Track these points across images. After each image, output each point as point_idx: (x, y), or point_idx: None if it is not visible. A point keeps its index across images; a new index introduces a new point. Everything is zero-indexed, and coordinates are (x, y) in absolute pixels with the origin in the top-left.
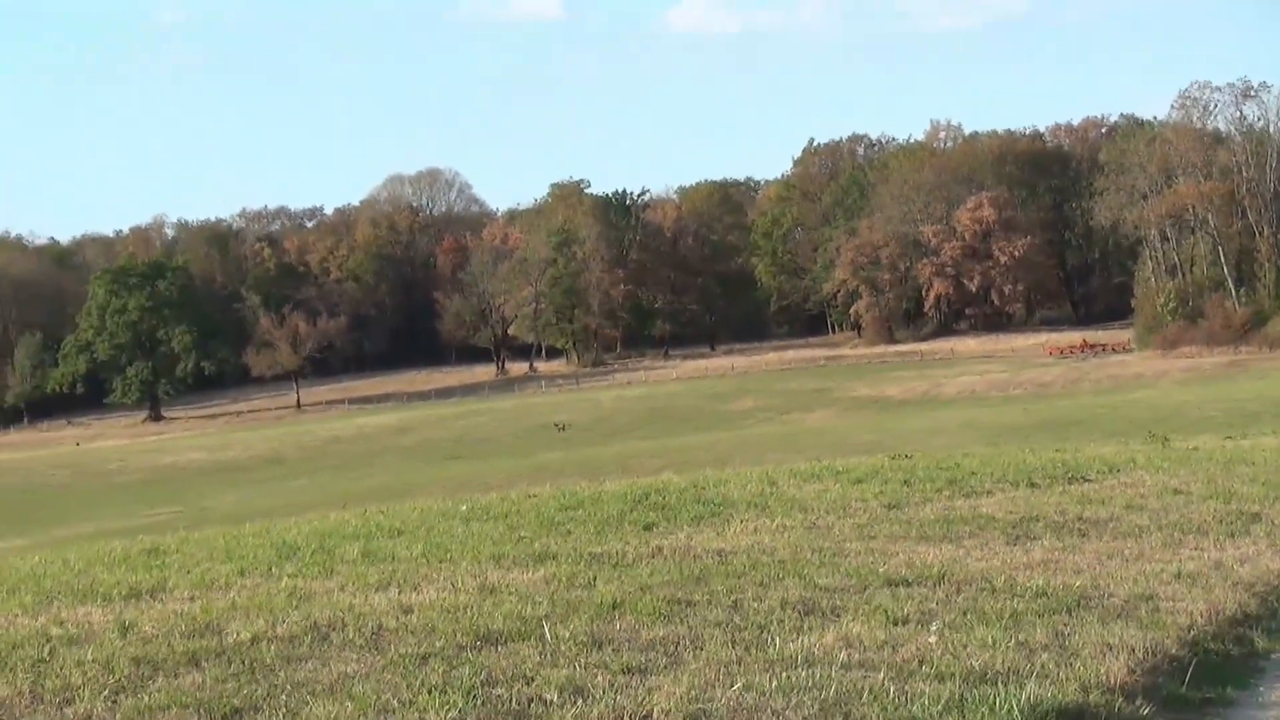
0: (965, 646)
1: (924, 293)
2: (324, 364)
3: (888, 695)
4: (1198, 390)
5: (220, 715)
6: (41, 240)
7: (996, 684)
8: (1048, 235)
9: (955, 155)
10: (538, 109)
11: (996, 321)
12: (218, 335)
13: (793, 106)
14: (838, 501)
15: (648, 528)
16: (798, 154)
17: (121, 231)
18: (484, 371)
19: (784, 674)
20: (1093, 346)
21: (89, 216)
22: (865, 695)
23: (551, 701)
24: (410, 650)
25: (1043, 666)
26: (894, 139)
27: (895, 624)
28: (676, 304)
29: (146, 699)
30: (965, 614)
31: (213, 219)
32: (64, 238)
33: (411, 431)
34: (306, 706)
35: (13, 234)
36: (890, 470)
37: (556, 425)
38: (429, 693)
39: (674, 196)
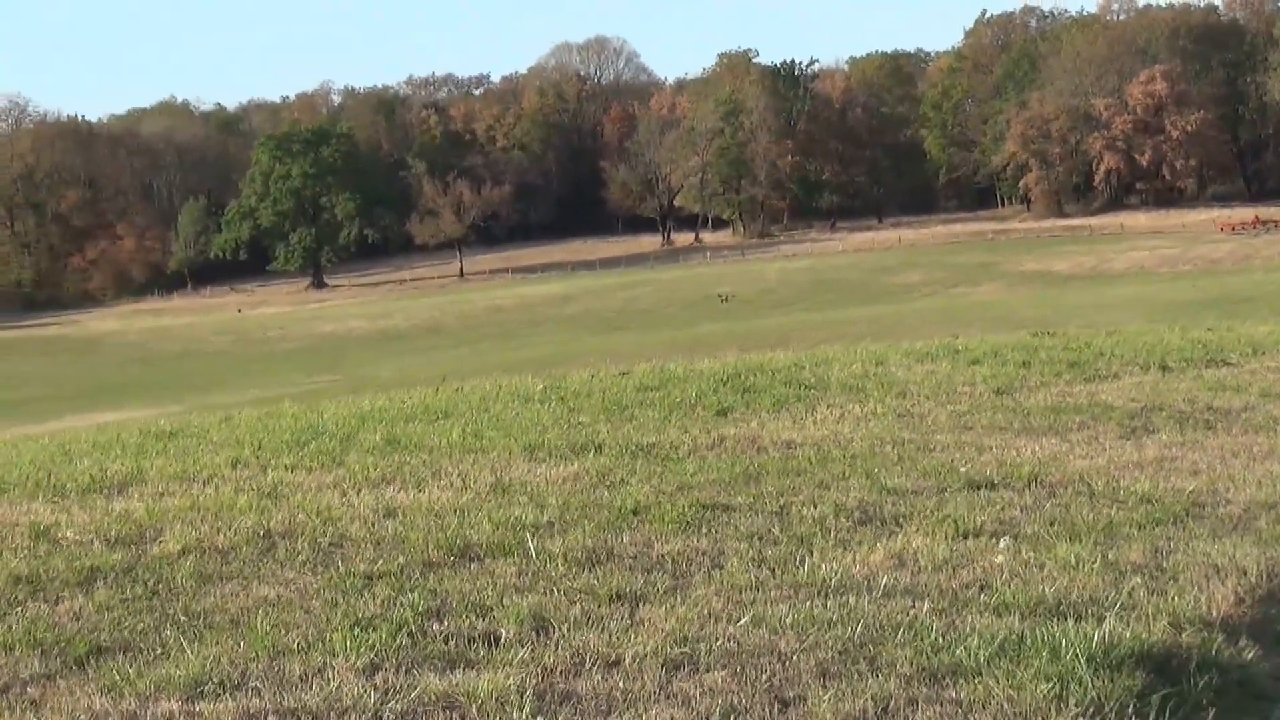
0: (1041, 568)
1: (1094, 167)
2: (488, 233)
3: (929, 634)
4: None
5: (73, 658)
6: (208, 106)
7: (1067, 618)
8: (1221, 110)
9: (1128, 28)
10: None
11: (1167, 197)
12: (382, 203)
13: None
14: (943, 385)
15: (722, 413)
16: (969, 25)
17: (288, 98)
18: (649, 242)
19: (809, 603)
20: (1265, 223)
21: (256, 83)
22: (901, 633)
23: (501, 639)
24: (362, 568)
25: (1130, 594)
26: (1066, 11)
27: (964, 537)
28: (844, 176)
29: None
30: (1051, 525)
31: (379, 86)
32: (230, 104)
33: (574, 301)
34: (189, 646)
35: (179, 99)
36: (1014, 350)
37: (720, 296)
38: (350, 629)
39: (843, 67)
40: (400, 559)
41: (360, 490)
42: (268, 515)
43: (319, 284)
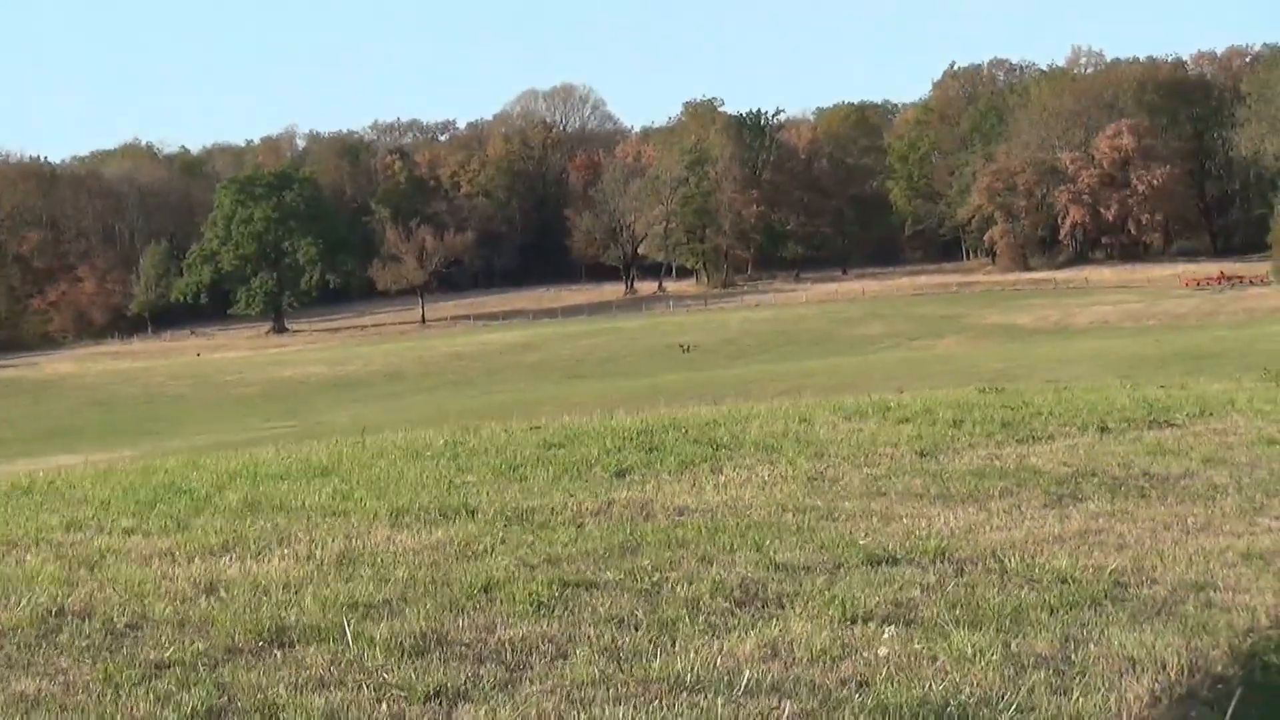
0: (933, 660)
1: (1060, 220)
2: (451, 280)
3: None
4: None
5: None
6: (172, 149)
7: None
8: (1187, 165)
9: (1096, 81)
10: (674, 25)
11: (1133, 251)
12: (344, 248)
13: (932, 29)
14: (864, 445)
15: (620, 474)
16: (937, 77)
17: (252, 141)
18: (613, 290)
19: (655, 703)
20: (1230, 278)
21: (221, 126)
22: None
23: None
24: (152, 655)
25: (1030, 693)
26: (1034, 64)
27: (851, 622)
28: (809, 226)
29: None
30: (952, 608)
31: (344, 131)
32: (194, 147)
33: (535, 349)
34: None
35: (143, 141)
36: (948, 408)
37: (682, 346)
38: None
39: (809, 117)
40: (200, 645)
41: (192, 560)
42: (69, 589)
43: (280, 328)
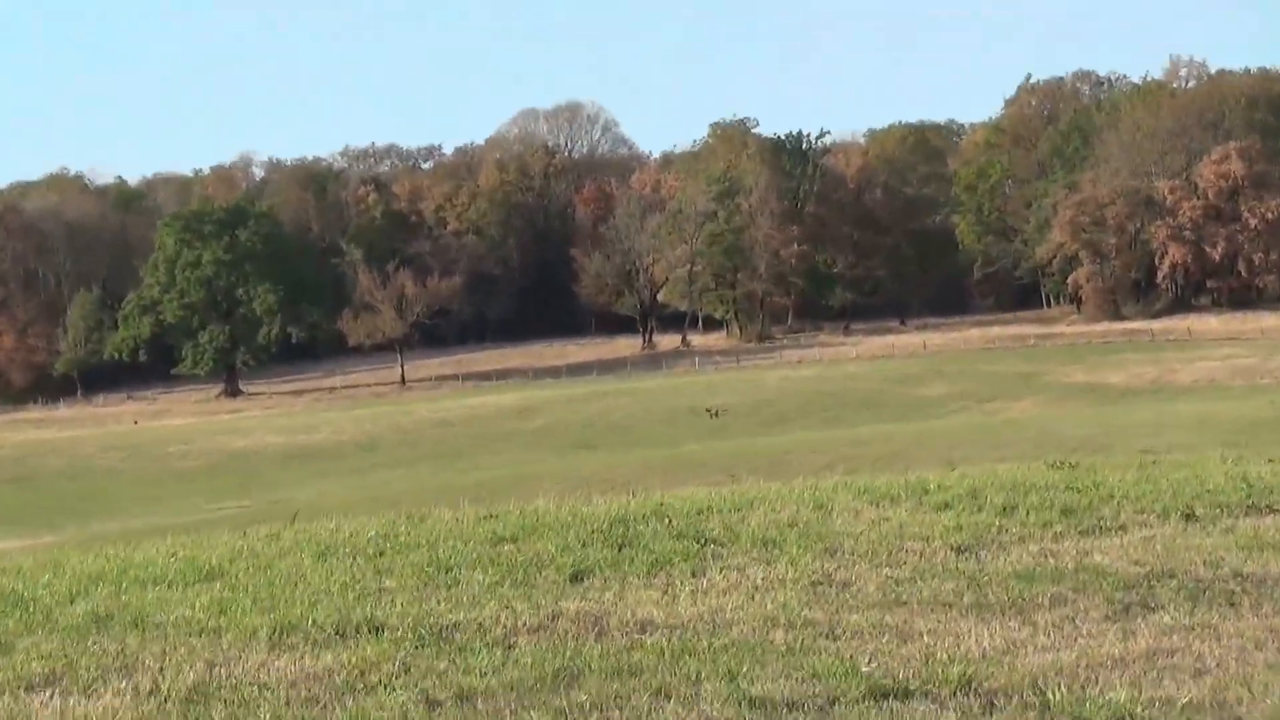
0: None
1: (1157, 261)
2: (435, 333)
3: None
4: None
5: None
6: (106, 179)
7: None
8: None
9: (1198, 97)
10: (698, 33)
11: (1243, 297)
12: (309, 296)
13: (1006, 36)
14: (889, 539)
15: (577, 576)
16: (1010, 93)
17: (201, 171)
18: (627, 345)
19: None
20: None
21: (163, 153)
22: None
23: None
24: None
25: None
26: (1125, 77)
27: None
28: (860, 268)
29: None
30: None
31: (309, 158)
32: (132, 177)
33: (535, 414)
34: None
35: (71, 171)
36: (999, 490)
37: (709, 411)
38: None
39: (860, 140)
40: None
41: (2, 695)
42: None
43: (233, 391)
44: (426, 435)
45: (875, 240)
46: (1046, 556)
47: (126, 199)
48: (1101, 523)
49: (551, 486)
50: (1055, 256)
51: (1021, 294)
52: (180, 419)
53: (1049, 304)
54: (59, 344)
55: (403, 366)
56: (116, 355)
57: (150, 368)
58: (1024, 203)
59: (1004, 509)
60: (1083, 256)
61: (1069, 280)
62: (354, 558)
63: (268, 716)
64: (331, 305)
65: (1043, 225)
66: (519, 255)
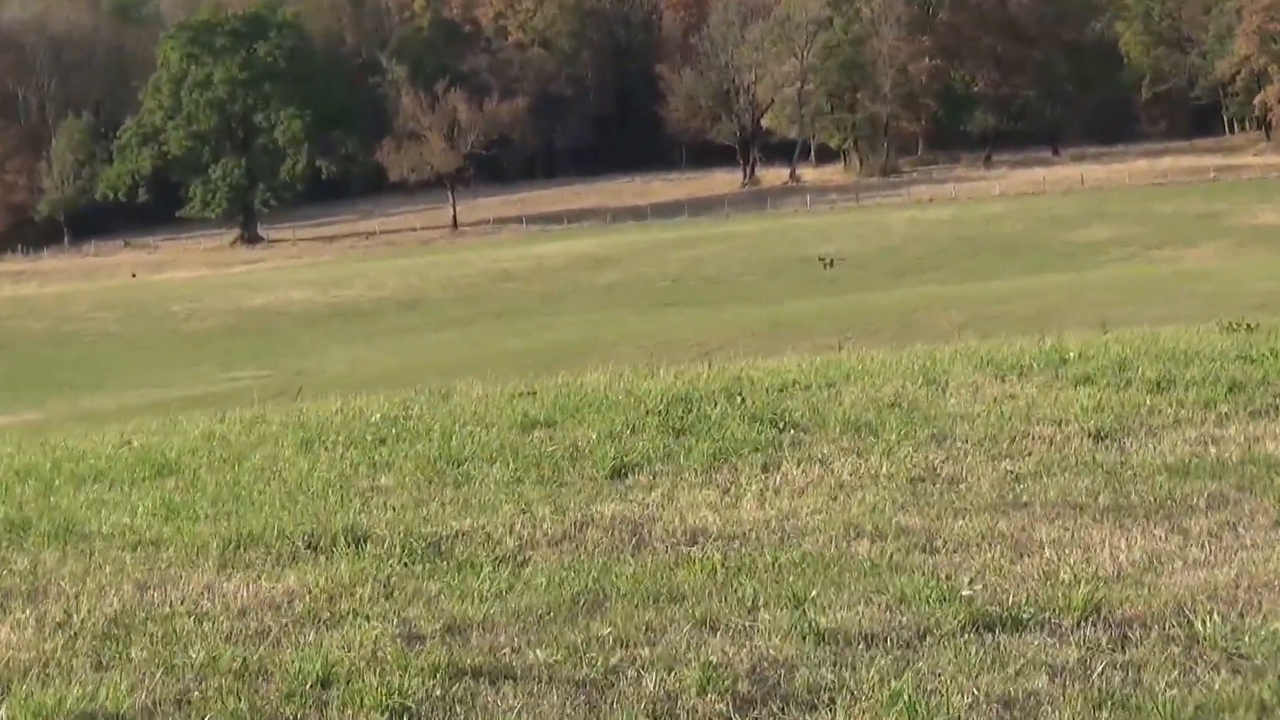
0: None
1: None
2: (495, 167)
3: None
4: None
5: None
6: None
7: None
8: None
9: None
10: None
11: None
12: (342, 122)
13: None
14: (1012, 422)
15: (618, 472)
16: None
17: None
18: (724, 181)
19: None
20: None
21: None
22: None
23: None
24: None
25: None
26: None
27: None
28: (1004, 87)
29: None
30: (1098, 710)
31: None
32: None
33: (613, 265)
34: None
35: None
36: (1155, 359)
37: (821, 259)
38: None
39: None
40: None
41: None
42: None
43: (251, 238)
44: (482, 291)
45: (1022, 53)
46: (1206, 445)
47: (123, 7)
48: (1278, 402)
49: (626, 353)
50: (1239, 72)
51: (1199, 117)
52: (187, 271)
53: (1232, 130)
54: (42, 181)
55: (454, 207)
56: (111, 195)
57: (151, 210)
58: (1202, 7)
59: (1158, 384)
60: (1272, 72)
61: (1256, 101)
62: (347, 448)
63: (201, 655)
64: (369, 133)
65: (1224, 34)
66: (594, 73)
